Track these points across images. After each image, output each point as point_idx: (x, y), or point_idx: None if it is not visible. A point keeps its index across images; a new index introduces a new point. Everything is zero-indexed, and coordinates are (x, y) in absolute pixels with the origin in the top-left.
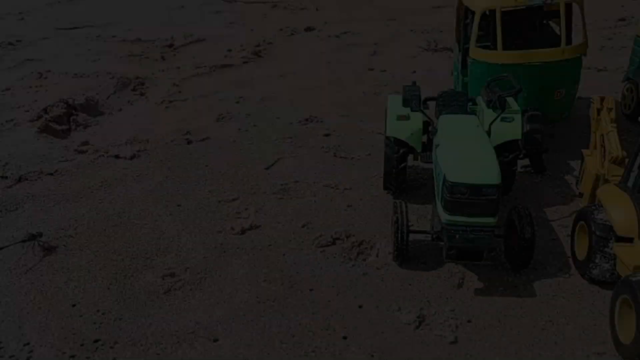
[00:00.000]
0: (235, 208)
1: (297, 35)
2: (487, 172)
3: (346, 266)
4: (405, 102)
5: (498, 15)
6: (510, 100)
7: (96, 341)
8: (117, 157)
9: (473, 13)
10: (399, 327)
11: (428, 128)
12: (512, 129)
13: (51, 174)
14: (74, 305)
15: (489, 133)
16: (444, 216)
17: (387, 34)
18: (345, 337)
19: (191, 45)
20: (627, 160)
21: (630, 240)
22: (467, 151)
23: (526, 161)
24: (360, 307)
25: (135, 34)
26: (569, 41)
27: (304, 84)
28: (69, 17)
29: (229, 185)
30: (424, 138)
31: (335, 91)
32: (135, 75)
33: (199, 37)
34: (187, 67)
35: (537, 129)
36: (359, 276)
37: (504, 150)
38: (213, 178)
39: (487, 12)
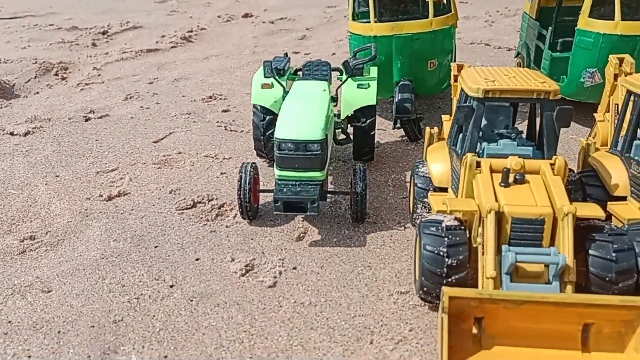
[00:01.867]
0: (111, 178)
1: (233, 21)
2: (312, 129)
3: (198, 225)
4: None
5: None
6: (372, 69)
7: None
8: (11, 134)
9: None
10: (226, 275)
11: None
12: (367, 96)
13: None
14: None
15: (336, 98)
16: (276, 172)
17: (322, 20)
18: (172, 286)
19: (126, 33)
20: None
21: (445, 190)
22: (299, 111)
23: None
24: (197, 259)
25: (73, 23)
26: (444, 13)
27: (222, 66)
28: (14, 7)
29: (113, 157)
30: None
31: (251, 72)
32: (59, 61)
33: (135, 24)
34: (115, 52)
35: (407, 98)
36: (207, 234)
37: (361, 116)
38: (99, 151)
39: None
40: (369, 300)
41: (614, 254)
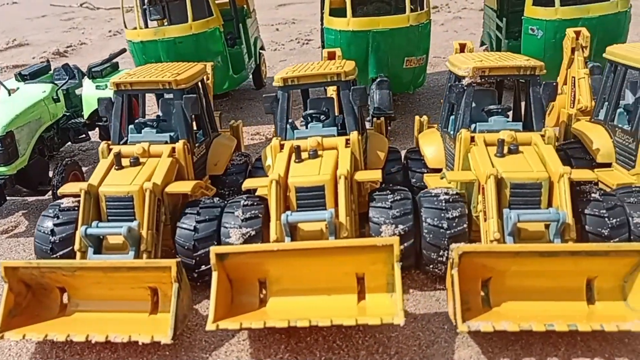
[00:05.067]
0: None
1: (119, 35)
2: None
3: None
4: None
5: None
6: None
7: None
8: None
9: None
10: None
11: None
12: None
13: None
14: None
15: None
16: None
17: None
18: None
19: (9, 50)
20: None
21: None
22: None
23: None
24: None
25: None
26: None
27: None
28: None
29: None
30: None
31: None
32: None
33: (22, 42)
34: None
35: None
36: None
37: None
38: None
39: None
40: None
41: (195, 224)
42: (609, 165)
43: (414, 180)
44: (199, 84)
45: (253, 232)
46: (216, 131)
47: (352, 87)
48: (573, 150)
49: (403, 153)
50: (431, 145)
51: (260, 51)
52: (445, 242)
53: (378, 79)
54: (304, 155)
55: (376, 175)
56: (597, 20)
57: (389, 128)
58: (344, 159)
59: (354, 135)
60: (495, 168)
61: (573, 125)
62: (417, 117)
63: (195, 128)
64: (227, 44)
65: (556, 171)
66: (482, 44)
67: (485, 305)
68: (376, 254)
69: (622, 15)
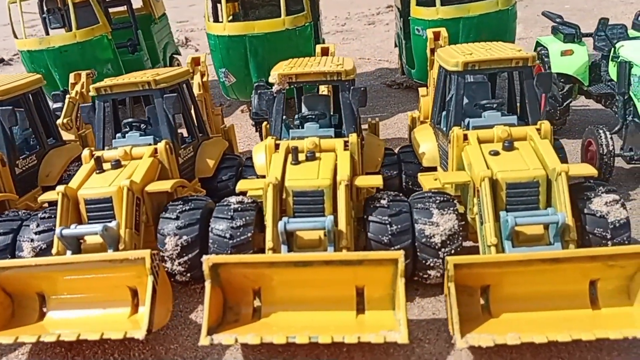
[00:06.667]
0: None
1: None
2: None
3: None
4: None
5: None
6: None
7: None
8: None
9: None
10: None
11: None
12: None
13: None
14: None
15: None
16: None
17: None
18: None
19: None
20: None
21: None
22: None
23: None
24: None
25: None
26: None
27: None
28: None
29: None
30: None
31: None
32: None
33: None
34: None
35: (58, 107)
36: None
37: None
38: None
39: None
40: None
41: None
42: (435, 169)
43: None
44: (28, 95)
45: (44, 245)
46: (59, 141)
47: (164, 95)
48: (405, 154)
49: None
50: (260, 153)
51: (175, 56)
52: (229, 251)
53: (256, 84)
54: (106, 166)
55: (165, 185)
56: (477, 19)
57: None
58: (140, 169)
59: (160, 145)
60: (280, 176)
61: (414, 129)
62: (264, 124)
63: None
64: (128, 51)
65: (338, 178)
66: (396, 44)
67: (255, 316)
68: (138, 267)
69: (505, 13)
